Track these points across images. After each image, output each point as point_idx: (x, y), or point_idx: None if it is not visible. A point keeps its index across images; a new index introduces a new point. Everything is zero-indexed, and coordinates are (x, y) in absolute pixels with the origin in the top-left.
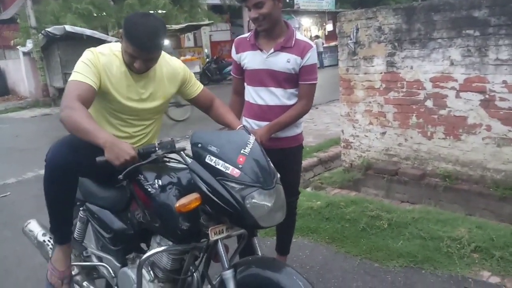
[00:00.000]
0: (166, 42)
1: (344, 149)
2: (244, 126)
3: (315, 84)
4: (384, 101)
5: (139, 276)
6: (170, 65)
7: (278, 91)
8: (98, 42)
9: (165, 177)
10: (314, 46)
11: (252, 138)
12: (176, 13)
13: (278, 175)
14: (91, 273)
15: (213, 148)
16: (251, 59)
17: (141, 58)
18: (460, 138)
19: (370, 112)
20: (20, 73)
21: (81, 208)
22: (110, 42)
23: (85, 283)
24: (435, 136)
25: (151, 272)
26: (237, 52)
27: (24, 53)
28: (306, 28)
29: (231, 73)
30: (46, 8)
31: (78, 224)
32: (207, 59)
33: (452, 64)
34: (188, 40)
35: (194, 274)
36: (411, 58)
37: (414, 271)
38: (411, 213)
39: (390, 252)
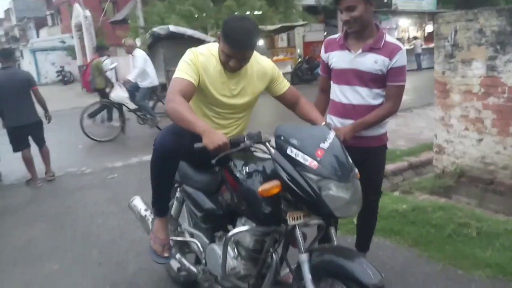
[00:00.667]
0: (260, 42)
1: (436, 154)
2: (327, 123)
3: (403, 86)
4: (483, 107)
5: (225, 251)
6: (260, 64)
7: (364, 90)
8: (198, 41)
9: (251, 165)
10: (404, 48)
11: (332, 134)
12: (271, 14)
13: (356, 171)
14: (183, 247)
15: (294, 141)
16: (338, 59)
17: (236, 57)
18: None
19: (466, 117)
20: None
21: (178, 189)
22: (209, 42)
23: (177, 256)
24: None
25: (235, 250)
26: (326, 52)
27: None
28: (404, 29)
29: (319, 71)
30: (153, 10)
31: (175, 203)
32: (299, 59)
33: None
34: (281, 41)
35: (274, 255)
36: None
37: (501, 282)
38: (504, 224)
39: (476, 261)
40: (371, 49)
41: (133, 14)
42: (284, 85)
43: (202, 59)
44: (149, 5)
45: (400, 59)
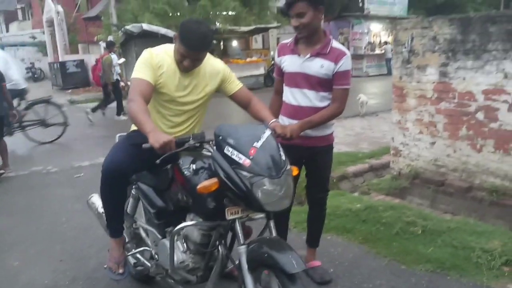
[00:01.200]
0: (234, 43)
1: (393, 156)
2: (275, 121)
3: (347, 89)
4: (435, 111)
5: (172, 245)
6: (212, 65)
7: (311, 93)
8: (171, 40)
9: (198, 162)
10: (349, 54)
11: (267, 132)
12: (245, 15)
13: (289, 167)
14: (139, 242)
15: (230, 140)
16: (289, 63)
17: (190, 58)
18: (511, 153)
19: (420, 121)
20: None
21: (134, 187)
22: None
23: (133, 251)
24: (484, 149)
25: (184, 244)
26: (279, 56)
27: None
28: (376, 34)
29: (273, 74)
30: (127, 7)
31: (131, 200)
32: (273, 61)
33: (506, 77)
34: (255, 42)
35: (220, 249)
36: (464, 69)
37: (439, 276)
38: (447, 223)
39: (419, 257)
40: (318, 54)
41: (106, 11)
42: (236, 85)
43: (157, 59)
44: (123, 2)
45: (345, 64)
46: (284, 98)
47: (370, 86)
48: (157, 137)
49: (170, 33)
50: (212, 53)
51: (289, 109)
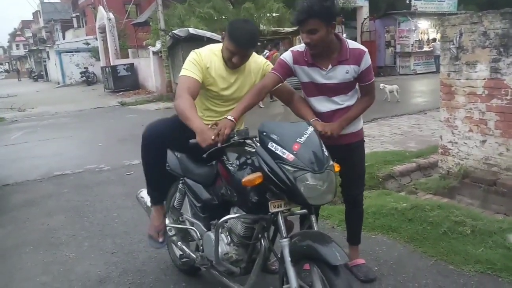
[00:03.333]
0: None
1: (441, 155)
2: (316, 119)
3: (373, 81)
4: (486, 108)
5: (217, 237)
6: (255, 61)
7: (340, 97)
8: (207, 39)
9: (242, 158)
10: (366, 50)
11: (310, 129)
12: (289, 16)
13: (331, 162)
14: (186, 235)
15: (274, 136)
16: (311, 75)
17: (239, 54)
18: None
19: (470, 119)
20: (149, 70)
21: (180, 182)
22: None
23: (179, 243)
24: None
25: (228, 236)
26: (293, 62)
27: (154, 53)
28: (423, 31)
29: (272, 69)
30: (173, 12)
31: (178, 195)
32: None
33: None
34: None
35: (262, 241)
36: None
37: (490, 278)
38: (499, 223)
39: (468, 257)
40: (340, 62)
41: (154, 16)
42: None
43: (204, 58)
44: (170, 7)
45: (366, 60)
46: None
47: (418, 84)
48: (204, 136)
49: (216, 36)
50: (257, 53)
51: (320, 117)
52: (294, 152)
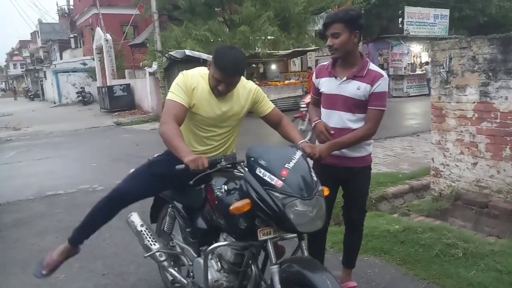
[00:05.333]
0: (273, 66)
1: (433, 177)
2: (304, 141)
3: (382, 111)
4: (476, 131)
5: (206, 264)
6: (245, 87)
7: (347, 115)
8: (203, 61)
9: (230, 183)
10: (386, 76)
11: (298, 154)
12: (283, 39)
13: (320, 187)
14: (177, 259)
15: (262, 162)
16: (327, 85)
17: (225, 82)
18: None
19: (461, 141)
20: (145, 91)
21: (170, 206)
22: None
23: (170, 269)
24: None
25: (218, 263)
26: (317, 77)
27: (150, 73)
28: (416, 54)
29: (311, 94)
30: (170, 34)
31: (168, 218)
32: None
33: None
34: (294, 65)
35: (253, 268)
36: (506, 88)
37: None
38: (491, 246)
39: (460, 280)
40: (355, 77)
41: (151, 38)
42: (268, 106)
43: (192, 80)
44: (167, 29)
45: (382, 85)
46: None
47: (410, 106)
48: (192, 158)
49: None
50: (252, 76)
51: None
52: (283, 178)
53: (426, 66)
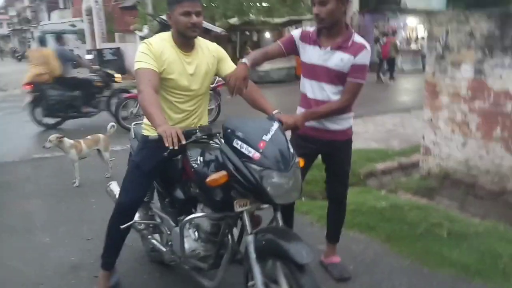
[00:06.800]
0: (268, 35)
1: (423, 155)
2: (277, 112)
3: (361, 84)
4: (469, 110)
5: (182, 235)
6: (207, 46)
7: (328, 86)
8: (206, 31)
9: (206, 155)
10: (369, 48)
11: (275, 125)
12: (278, 7)
13: (297, 159)
14: (155, 228)
15: (239, 134)
16: (310, 54)
17: (194, 11)
18: None
19: (453, 119)
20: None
21: None
22: (216, 31)
23: (149, 237)
24: None
25: (196, 233)
26: (300, 39)
27: (141, 37)
28: (412, 28)
29: (279, 41)
30: None
31: None
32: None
33: None
34: None
35: (229, 237)
36: (501, 67)
37: (462, 281)
38: (475, 227)
39: (442, 259)
40: (339, 47)
41: (142, 1)
42: (230, 66)
43: (156, 46)
44: None
45: (363, 57)
46: (302, 90)
47: (404, 82)
48: (165, 128)
49: (205, 24)
50: (245, 44)
51: (307, 101)
52: (260, 151)
53: (422, 41)
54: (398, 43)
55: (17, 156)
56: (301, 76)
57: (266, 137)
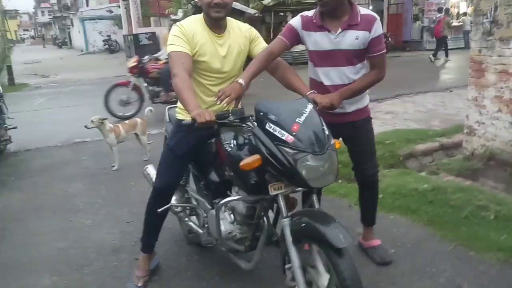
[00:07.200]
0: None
1: (467, 135)
2: (312, 92)
3: (385, 52)
4: None
5: (218, 217)
6: (239, 27)
7: (348, 69)
8: (240, 13)
9: (240, 138)
10: (378, 17)
11: (309, 107)
12: None
13: (332, 141)
14: (192, 211)
15: (272, 117)
16: (319, 41)
17: None
18: None
19: (500, 98)
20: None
21: None
22: (249, 13)
23: (186, 219)
24: None
25: (231, 215)
26: (302, 28)
27: (174, 21)
28: (453, 4)
29: (280, 35)
30: None
31: None
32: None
33: None
34: None
35: (265, 219)
36: None
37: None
38: None
39: (489, 243)
40: (350, 26)
41: None
42: (263, 46)
43: (188, 29)
44: None
45: (378, 29)
46: (313, 77)
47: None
48: (199, 112)
49: (239, 5)
50: (280, 24)
51: (322, 89)
52: (294, 133)
53: (463, 17)
54: (451, 21)
55: (59, 141)
56: (310, 65)
57: (300, 120)
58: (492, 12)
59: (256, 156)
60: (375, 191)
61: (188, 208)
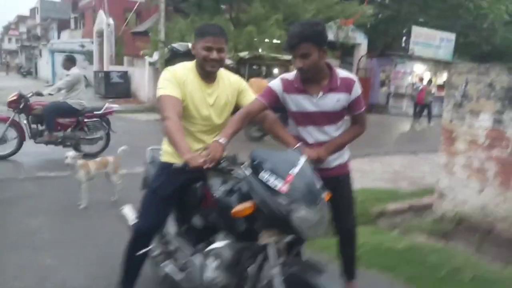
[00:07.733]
0: (275, 70)
1: (437, 199)
2: (301, 144)
3: (364, 110)
4: (486, 158)
5: (203, 264)
6: (229, 77)
7: (330, 128)
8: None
9: (228, 185)
10: (356, 78)
11: (303, 159)
12: None
13: (324, 194)
14: (169, 256)
15: (267, 166)
16: (301, 103)
17: (215, 47)
18: None
19: (470, 166)
20: (143, 80)
21: None
22: (226, 63)
23: (163, 263)
24: None
25: (215, 262)
26: (284, 91)
27: (150, 63)
28: (419, 75)
29: (259, 96)
30: (175, 26)
31: None
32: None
33: None
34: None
35: (251, 267)
36: None
37: None
38: (499, 273)
39: None
40: (331, 90)
41: (155, 28)
42: (251, 98)
43: (179, 75)
44: (172, 21)
45: (357, 89)
46: (297, 134)
47: (409, 126)
48: (192, 156)
49: None
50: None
51: (307, 146)
52: (288, 184)
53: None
54: (432, 90)
55: (22, 174)
56: (292, 123)
57: (294, 171)
58: (464, 86)
59: (249, 204)
60: (355, 244)
61: (165, 252)
